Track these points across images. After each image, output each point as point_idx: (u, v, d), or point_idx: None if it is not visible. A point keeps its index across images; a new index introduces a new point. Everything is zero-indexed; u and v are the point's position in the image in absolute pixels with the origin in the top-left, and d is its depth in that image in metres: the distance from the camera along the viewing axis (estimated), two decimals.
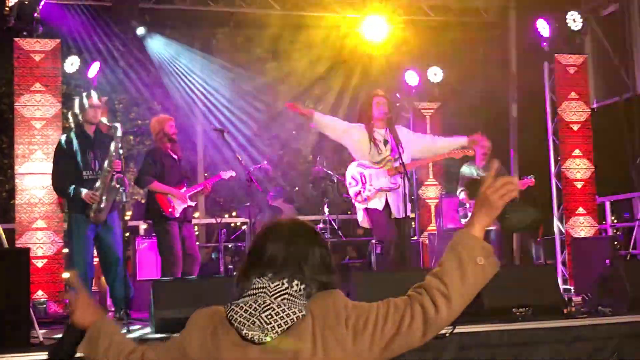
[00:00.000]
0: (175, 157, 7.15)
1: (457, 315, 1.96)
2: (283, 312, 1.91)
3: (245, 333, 1.90)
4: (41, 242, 7.97)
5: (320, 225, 9.63)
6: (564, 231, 9.67)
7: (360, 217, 6.63)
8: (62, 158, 6.48)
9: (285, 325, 1.90)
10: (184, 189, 7.07)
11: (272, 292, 1.96)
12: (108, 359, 2.17)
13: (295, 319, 1.92)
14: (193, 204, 7.17)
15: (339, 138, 6.66)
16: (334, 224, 9.73)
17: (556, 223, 9.88)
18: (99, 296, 8.48)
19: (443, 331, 4.38)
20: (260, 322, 1.90)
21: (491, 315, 4.93)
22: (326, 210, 9.69)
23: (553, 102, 9.96)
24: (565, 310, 5.29)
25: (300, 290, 1.99)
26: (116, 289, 6.37)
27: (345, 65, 12.31)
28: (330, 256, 2.09)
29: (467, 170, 8.46)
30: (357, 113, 6.87)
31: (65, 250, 7.82)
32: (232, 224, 13.57)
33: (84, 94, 6.54)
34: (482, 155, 8.31)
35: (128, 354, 2.16)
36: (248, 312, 1.92)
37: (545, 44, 9.98)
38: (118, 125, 6.33)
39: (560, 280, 9.06)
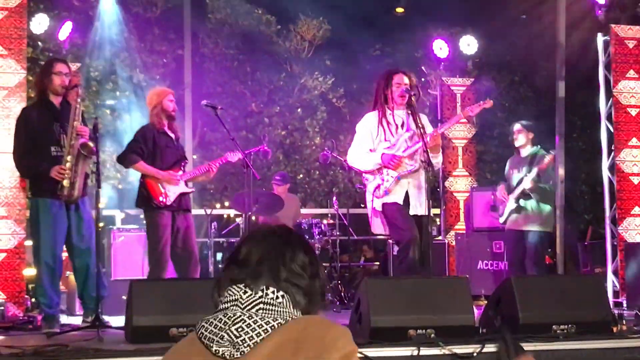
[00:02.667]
0: (172, 136, 7.15)
1: None
2: (255, 324, 2.00)
3: (216, 350, 1.99)
4: (0, 233, 8.00)
5: (329, 220, 9.61)
6: (616, 235, 9.65)
7: (376, 224, 6.59)
8: (24, 132, 6.44)
9: (258, 337, 1.98)
10: (180, 172, 7.07)
11: (245, 303, 2.06)
12: None
13: (269, 329, 2.00)
14: (190, 190, 7.17)
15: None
16: (344, 219, 9.67)
17: (608, 225, 9.85)
18: (67, 296, 8.48)
19: (470, 350, 4.40)
20: (230, 336, 1.99)
21: (528, 333, 4.93)
22: (335, 202, 9.66)
23: (608, 81, 9.92)
24: (615, 329, 5.30)
25: (277, 297, 2.07)
26: (88, 287, 6.36)
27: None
28: (318, 265, 2.19)
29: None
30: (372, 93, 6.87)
31: (28, 243, 7.82)
32: (225, 216, 13.60)
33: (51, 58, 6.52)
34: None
35: None
36: (217, 327, 2.02)
37: (599, 11, 9.94)
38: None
39: (610, 293, 9.06)
